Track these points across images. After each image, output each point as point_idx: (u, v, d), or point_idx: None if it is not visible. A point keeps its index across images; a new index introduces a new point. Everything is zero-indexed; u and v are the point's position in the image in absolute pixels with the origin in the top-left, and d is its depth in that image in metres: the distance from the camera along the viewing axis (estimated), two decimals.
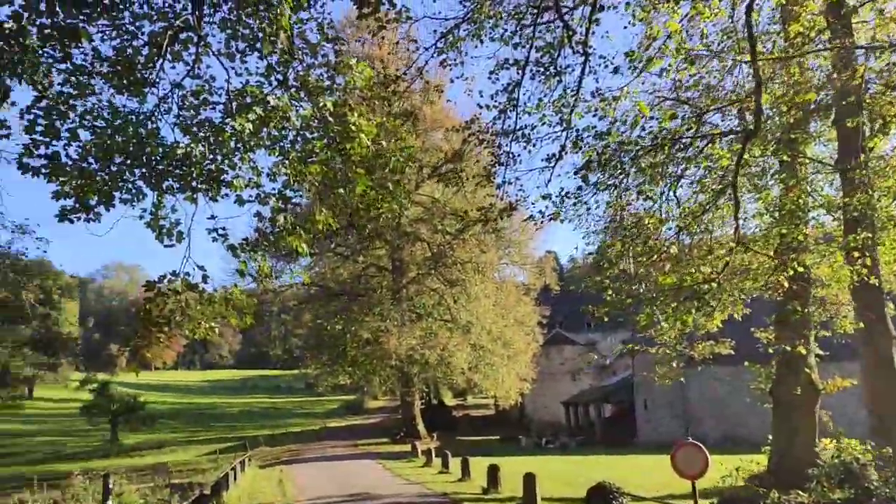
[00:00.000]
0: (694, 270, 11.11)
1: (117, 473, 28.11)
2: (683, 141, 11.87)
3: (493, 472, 20.63)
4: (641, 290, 11.58)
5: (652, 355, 20.43)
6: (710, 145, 11.97)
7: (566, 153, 13.91)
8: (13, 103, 11.03)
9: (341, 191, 11.33)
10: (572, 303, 63.76)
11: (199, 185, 10.38)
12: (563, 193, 11.92)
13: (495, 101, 14.01)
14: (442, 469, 27.13)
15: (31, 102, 10.17)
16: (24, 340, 46.28)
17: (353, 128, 10.51)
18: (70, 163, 10.22)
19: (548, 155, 13.93)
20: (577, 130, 14.06)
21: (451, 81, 13.78)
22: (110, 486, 18.59)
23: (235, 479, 26.36)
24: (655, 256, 11.10)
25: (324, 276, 50.29)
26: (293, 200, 10.83)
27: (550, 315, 54.88)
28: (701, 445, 11.57)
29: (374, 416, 77.20)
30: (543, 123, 13.51)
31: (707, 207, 11.46)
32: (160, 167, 10.74)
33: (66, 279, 49.19)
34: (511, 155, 14.29)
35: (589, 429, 49.07)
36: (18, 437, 63.92)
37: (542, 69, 13.80)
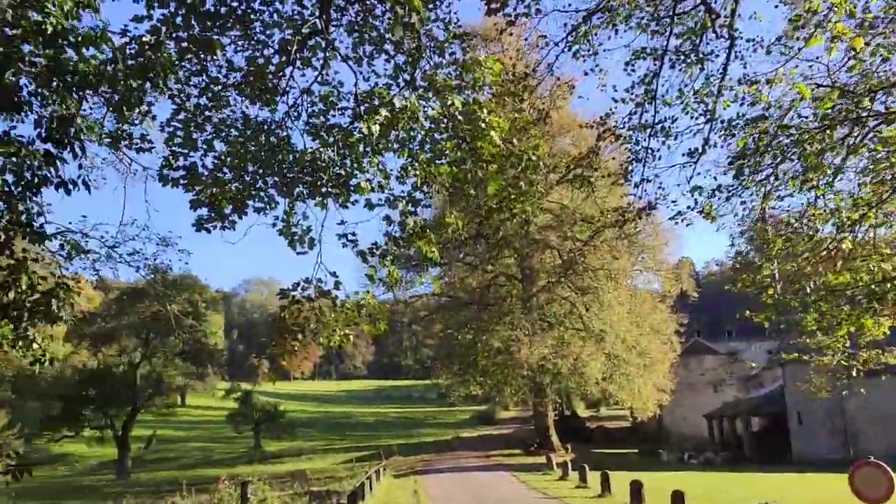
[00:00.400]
0: (874, 267, 9.76)
1: (260, 480, 29.02)
2: (850, 122, 10.55)
3: (636, 488, 19.41)
4: (808, 289, 10.31)
5: (808, 364, 18.54)
6: (880, 128, 10.57)
7: (710, 146, 12.86)
8: (154, 117, 11.35)
9: (472, 192, 10.87)
10: (711, 310, 60.45)
11: (329, 190, 10.24)
12: (716, 186, 10.82)
13: (631, 94, 13.15)
14: (580, 483, 26.07)
15: (170, 115, 10.39)
16: (175, 351, 49.19)
17: (483, 125, 10.01)
18: (206, 173, 10.33)
19: (689, 149, 12.93)
20: (722, 121, 12.97)
21: (585, 74, 13.03)
22: (248, 493, 19.00)
23: (371, 488, 26.48)
24: (825, 252, 9.84)
25: (453, 286, 50.30)
26: (422, 204, 10.48)
27: (688, 323, 52.17)
28: (885, 466, 10.16)
29: (505, 426, 76.47)
30: (686, 113, 12.50)
31: (886, 197, 10.04)
32: (291, 174, 10.71)
33: (210, 293, 51.97)
34: (649, 151, 13.36)
35: (735, 444, 46.08)
36: (173, 443, 68.16)
37: (682, 57, 12.83)
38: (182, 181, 10.04)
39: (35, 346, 6.23)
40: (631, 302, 44.37)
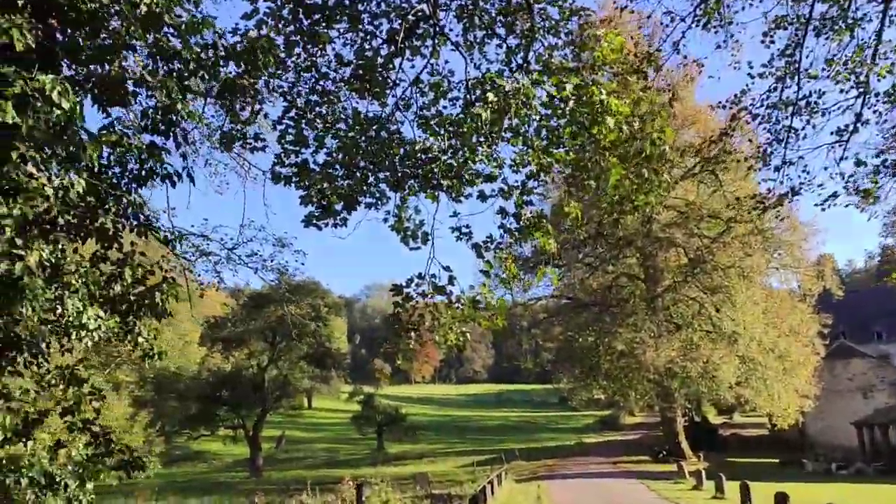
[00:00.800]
0: None
1: (383, 481, 29.15)
2: None
3: (781, 500, 17.77)
4: None
5: None
6: None
7: (862, 123, 11.51)
8: (266, 115, 11.29)
9: (593, 182, 10.13)
10: (857, 311, 55.99)
11: (441, 182, 9.81)
12: (881, 161, 9.54)
13: (770, 69, 11.96)
14: (716, 494, 24.42)
15: (281, 113, 10.32)
16: (299, 355, 50.62)
17: (602, 108, 9.24)
18: (317, 169, 10.20)
19: (838, 128, 11.61)
20: (877, 94, 11.57)
21: (718, 47, 11.95)
22: (364, 497, 18.91)
23: (493, 492, 26.02)
24: None
25: (573, 288, 49.02)
26: (539, 194, 9.84)
27: (832, 324, 48.18)
28: None
29: (631, 432, 73.99)
30: (837, 84, 11.16)
31: None
32: (402, 168, 10.39)
33: (332, 298, 53.17)
34: (791, 130, 12.10)
35: (889, 453, 42.15)
36: (301, 443, 70.40)
37: (829, 24, 11.52)
38: (294, 179, 9.91)
39: (141, 339, 6.09)
40: (767, 302, 41.44)
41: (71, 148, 5.01)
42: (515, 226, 9.61)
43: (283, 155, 10.00)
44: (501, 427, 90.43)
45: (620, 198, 10.64)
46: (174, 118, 6.03)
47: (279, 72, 10.86)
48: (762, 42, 11.84)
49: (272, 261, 13.73)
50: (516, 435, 77.86)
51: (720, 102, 13.33)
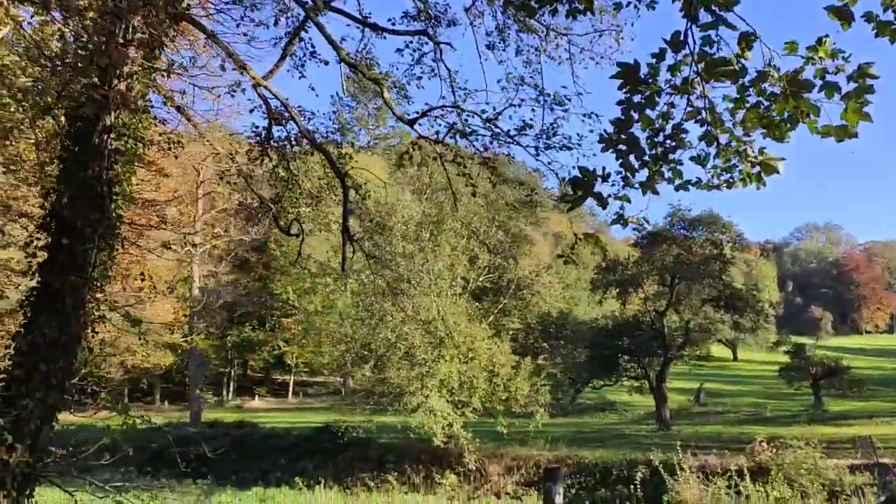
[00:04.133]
0: None
1: (808, 444, 23.73)
2: None
3: None
4: None
5: None
6: None
7: None
8: None
9: None
10: None
11: None
12: None
13: None
14: None
15: None
16: (703, 298, 45.23)
17: None
18: None
19: None
20: None
21: None
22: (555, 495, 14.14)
23: None
24: None
25: None
26: None
27: None
28: None
29: None
30: None
31: None
32: None
33: (735, 232, 46.25)
34: None
35: None
36: (723, 397, 64.76)
37: None
38: None
39: None
40: None
41: None
42: None
43: None
44: None
45: None
46: None
47: None
48: None
49: (554, 133, 9.91)
50: None
51: None
